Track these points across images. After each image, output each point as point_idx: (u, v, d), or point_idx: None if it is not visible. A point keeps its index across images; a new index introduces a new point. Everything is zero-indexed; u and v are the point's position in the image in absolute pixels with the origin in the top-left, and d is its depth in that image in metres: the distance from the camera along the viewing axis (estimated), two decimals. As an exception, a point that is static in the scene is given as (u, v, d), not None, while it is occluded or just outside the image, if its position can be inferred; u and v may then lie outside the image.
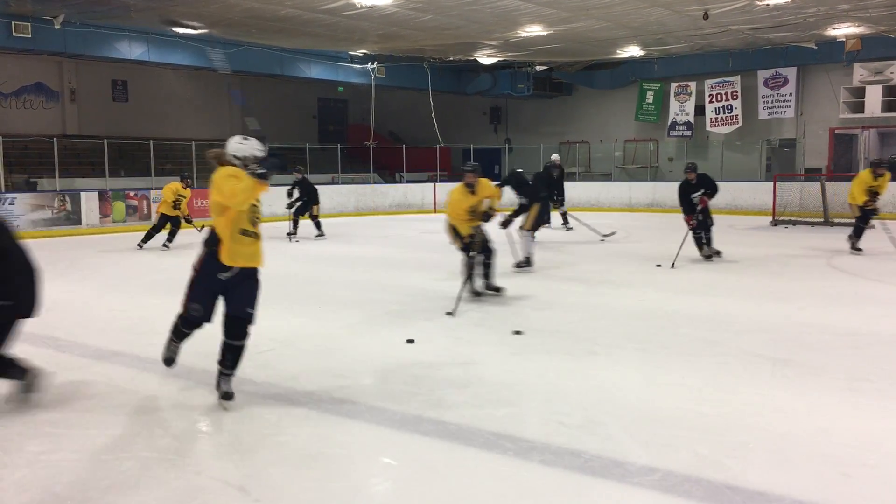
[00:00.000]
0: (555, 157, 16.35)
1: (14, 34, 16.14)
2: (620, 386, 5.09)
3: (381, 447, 4.12)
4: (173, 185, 13.70)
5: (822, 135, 21.59)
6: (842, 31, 18.44)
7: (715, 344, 6.23)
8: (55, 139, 18.12)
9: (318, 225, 15.53)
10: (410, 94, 25.86)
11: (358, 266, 11.28)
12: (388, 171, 26.33)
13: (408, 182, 24.79)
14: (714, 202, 11.23)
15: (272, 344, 6.28)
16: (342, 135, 28.65)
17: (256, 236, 4.71)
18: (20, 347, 6.31)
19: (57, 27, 16.42)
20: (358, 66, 22.97)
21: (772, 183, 19.17)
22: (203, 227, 13.59)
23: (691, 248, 11.16)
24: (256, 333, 6.62)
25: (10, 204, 15.96)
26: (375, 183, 24.32)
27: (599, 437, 4.16)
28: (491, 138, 28.63)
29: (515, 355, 5.94)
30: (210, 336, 6.58)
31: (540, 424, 4.38)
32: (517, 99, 26.87)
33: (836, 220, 16.45)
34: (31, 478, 3.73)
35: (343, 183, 23.42)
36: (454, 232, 8.33)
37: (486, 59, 22.29)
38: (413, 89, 24.74)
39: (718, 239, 11.48)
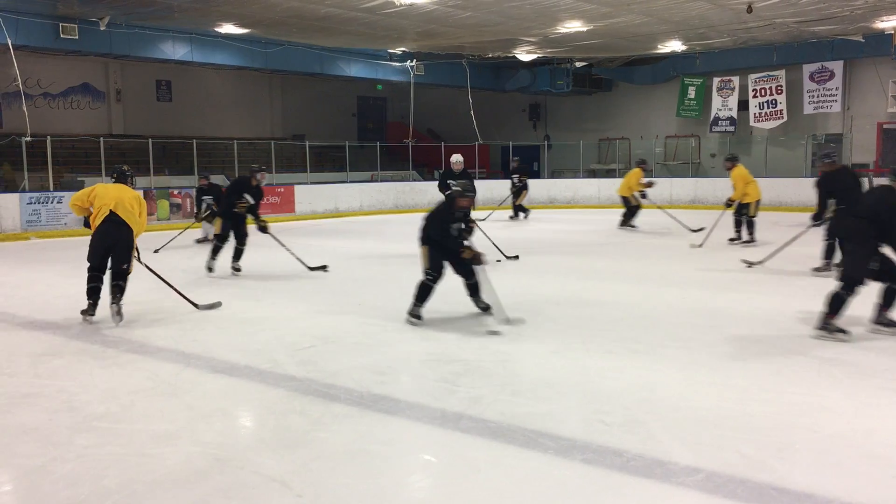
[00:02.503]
0: (456, 157, 12.96)
1: (61, 36, 16.52)
2: (663, 385, 5.03)
3: (422, 444, 4.14)
4: (636, 171, 15.73)
5: (869, 130, 21.09)
6: (890, 23, 17.97)
7: (759, 343, 6.12)
8: (101, 139, 18.50)
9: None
10: (449, 92, 25.85)
11: (397, 263, 11.31)
12: (427, 168, 26.35)
13: (447, 180, 24.80)
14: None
15: (313, 341, 6.34)
16: (381, 133, 28.78)
17: None
18: (71, 343, 6.49)
19: (102, 29, 16.77)
20: (397, 63, 23.05)
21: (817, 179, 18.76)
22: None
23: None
24: (298, 331, 6.72)
25: (58, 202, 16.33)
26: (414, 180, 24.36)
27: (641, 436, 4.11)
28: (530, 135, 28.49)
29: (555, 353, 5.90)
30: (249, 333, 6.68)
31: (581, 423, 4.34)
32: (556, 95, 26.69)
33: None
34: (79, 471, 3.81)
35: (382, 181, 23.54)
36: None
37: (525, 55, 22.20)
38: (452, 87, 24.73)
39: (761, 237, 11.11)
